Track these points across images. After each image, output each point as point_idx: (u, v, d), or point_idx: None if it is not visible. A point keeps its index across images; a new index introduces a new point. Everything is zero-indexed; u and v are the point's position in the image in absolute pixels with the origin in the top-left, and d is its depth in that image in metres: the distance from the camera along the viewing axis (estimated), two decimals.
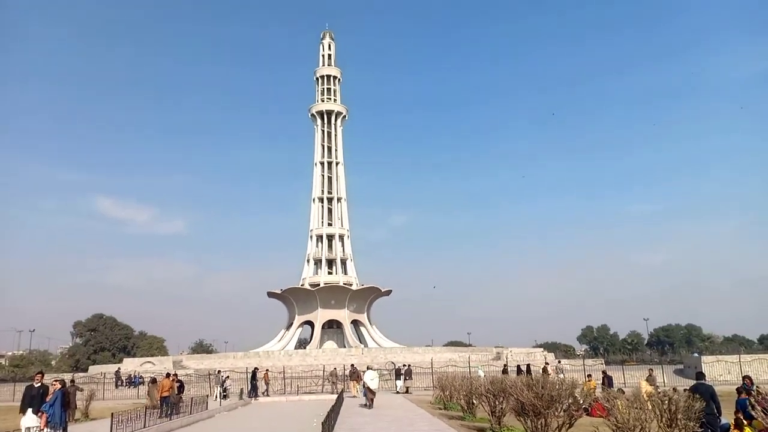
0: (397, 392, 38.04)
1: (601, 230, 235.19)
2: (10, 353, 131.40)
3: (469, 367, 41.75)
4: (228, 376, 37.87)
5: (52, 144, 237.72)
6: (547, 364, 42.90)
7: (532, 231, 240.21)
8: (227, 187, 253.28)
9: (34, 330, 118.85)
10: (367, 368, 30.35)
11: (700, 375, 14.57)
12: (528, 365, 39.70)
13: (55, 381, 15.69)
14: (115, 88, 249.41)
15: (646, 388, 25.71)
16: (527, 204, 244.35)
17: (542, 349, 76.13)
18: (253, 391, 37.61)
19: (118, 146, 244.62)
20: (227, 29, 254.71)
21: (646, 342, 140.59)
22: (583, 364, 45.45)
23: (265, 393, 38.90)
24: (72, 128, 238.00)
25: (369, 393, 26.78)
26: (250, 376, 38.90)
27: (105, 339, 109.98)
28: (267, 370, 41.79)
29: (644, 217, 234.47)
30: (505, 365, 42.51)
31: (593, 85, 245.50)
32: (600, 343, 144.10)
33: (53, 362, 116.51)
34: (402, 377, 39.49)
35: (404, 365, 42.12)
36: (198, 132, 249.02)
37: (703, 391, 12.79)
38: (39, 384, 15.26)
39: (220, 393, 34.24)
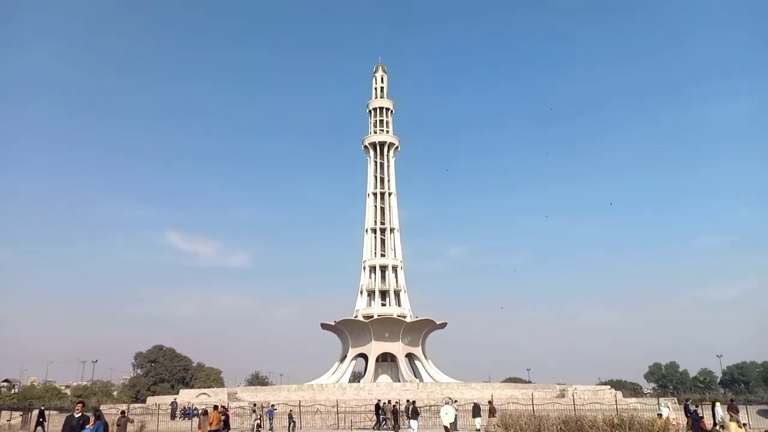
0: (477, 430, 36.17)
1: (668, 263, 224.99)
2: (75, 383, 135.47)
3: (533, 404, 39.23)
4: (254, 410, 37.58)
5: (125, 180, 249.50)
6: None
7: (594, 264, 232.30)
8: (286, 220, 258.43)
9: (96, 361, 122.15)
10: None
11: None
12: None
13: (94, 412, 15.14)
14: (169, 124, 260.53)
15: (735, 429, 23.03)
16: (589, 236, 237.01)
17: (609, 386, 71.72)
18: (383, 423, 38.01)
19: (185, 181, 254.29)
20: (280, 62, 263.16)
21: (719, 381, 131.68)
22: (658, 403, 41.98)
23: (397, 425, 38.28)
24: (140, 163, 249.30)
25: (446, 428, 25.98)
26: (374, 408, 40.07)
27: (164, 370, 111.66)
28: (397, 402, 41.12)
29: (715, 249, 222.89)
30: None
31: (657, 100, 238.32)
32: (669, 381, 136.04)
33: (115, 393, 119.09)
34: (482, 414, 37.55)
35: (489, 402, 39.88)
36: (257, 166, 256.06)
37: None
38: (79, 414, 14.75)
39: (254, 426, 34.12)
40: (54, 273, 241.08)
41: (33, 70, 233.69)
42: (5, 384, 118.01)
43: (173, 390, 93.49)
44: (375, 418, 40.95)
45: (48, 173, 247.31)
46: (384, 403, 39.88)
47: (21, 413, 53.05)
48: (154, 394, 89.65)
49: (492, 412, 37.60)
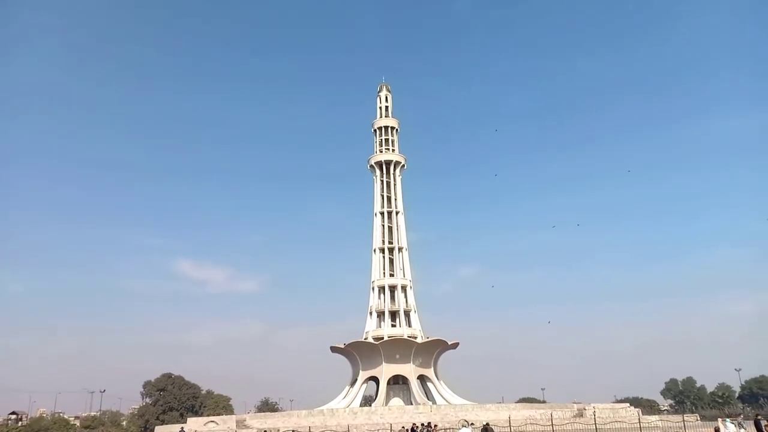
0: None
1: (683, 276, 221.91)
2: (84, 414, 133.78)
3: (552, 424, 37.82)
4: None
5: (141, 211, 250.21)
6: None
7: (605, 277, 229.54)
8: (295, 244, 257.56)
9: (104, 390, 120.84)
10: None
11: None
12: None
13: None
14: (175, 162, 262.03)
15: None
16: (599, 253, 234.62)
17: (628, 404, 69.83)
18: None
19: (195, 210, 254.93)
20: (289, 88, 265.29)
21: (737, 395, 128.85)
22: (683, 420, 40.46)
23: None
24: (152, 191, 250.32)
25: None
26: None
27: (173, 398, 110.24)
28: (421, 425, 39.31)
29: (732, 262, 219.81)
30: None
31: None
32: (686, 396, 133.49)
33: (124, 422, 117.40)
34: None
35: (486, 424, 38.43)
36: (265, 190, 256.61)
37: None
38: None
39: None
40: (62, 303, 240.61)
41: (46, 84, 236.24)
42: (12, 417, 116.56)
43: (182, 419, 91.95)
44: None
45: (56, 201, 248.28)
46: (417, 427, 38.45)
47: None
48: (163, 423, 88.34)
49: None
